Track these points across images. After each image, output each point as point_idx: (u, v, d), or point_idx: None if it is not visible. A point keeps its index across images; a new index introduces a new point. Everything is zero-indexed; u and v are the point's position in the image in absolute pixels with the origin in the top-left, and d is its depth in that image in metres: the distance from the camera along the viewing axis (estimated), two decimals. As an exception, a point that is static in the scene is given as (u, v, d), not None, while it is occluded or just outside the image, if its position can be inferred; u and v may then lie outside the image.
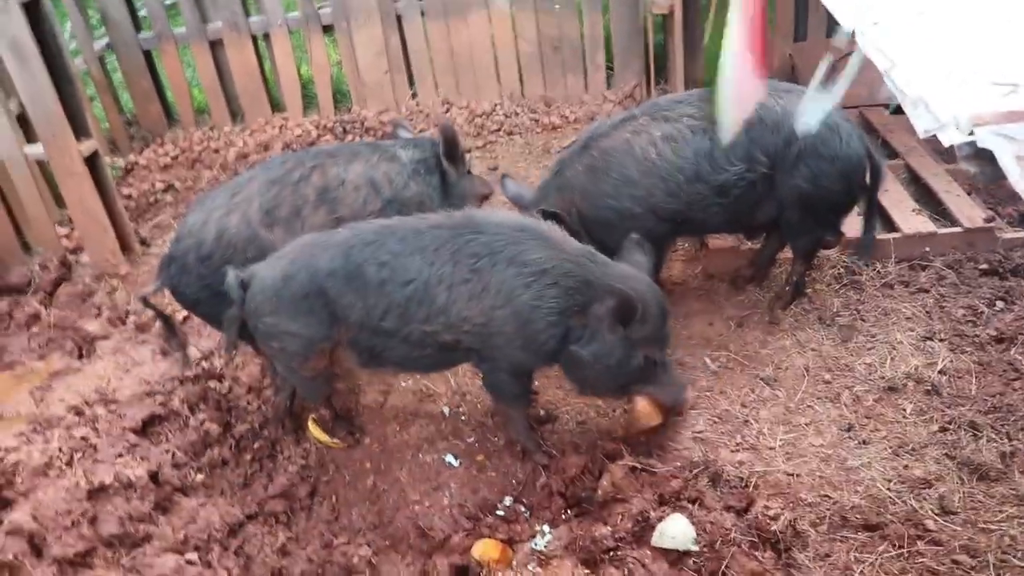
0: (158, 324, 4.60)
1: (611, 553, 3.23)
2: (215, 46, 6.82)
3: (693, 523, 3.21)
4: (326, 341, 3.46)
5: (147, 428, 3.96)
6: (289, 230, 3.71)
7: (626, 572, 3.15)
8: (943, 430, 3.53)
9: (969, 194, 4.75)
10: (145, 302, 3.90)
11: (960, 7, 2.26)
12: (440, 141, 4.07)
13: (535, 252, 3.26)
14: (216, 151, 6.82)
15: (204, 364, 4.43)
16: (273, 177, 3.85)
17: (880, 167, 3.97)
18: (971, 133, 1.59)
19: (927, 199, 4.88)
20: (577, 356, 3.35)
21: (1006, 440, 3.42)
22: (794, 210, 3.93)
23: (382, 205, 3.87)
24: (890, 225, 4.64)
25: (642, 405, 3.60)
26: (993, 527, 3.09)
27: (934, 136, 1.72)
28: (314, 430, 3.98)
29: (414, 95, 7.01)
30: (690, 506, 3.31)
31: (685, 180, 3.80)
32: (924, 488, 3.28)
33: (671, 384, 3.49)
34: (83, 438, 3.79)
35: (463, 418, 4.04)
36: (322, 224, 3.71)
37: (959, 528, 3.10)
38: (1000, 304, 4.12)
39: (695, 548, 3.15)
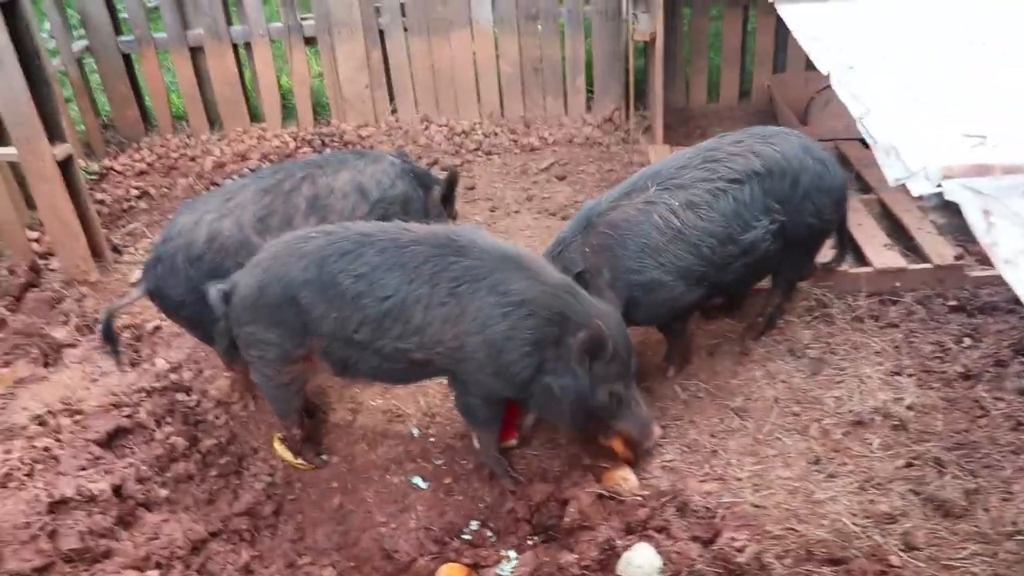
0: (125, 334, 4.58)
1: (576, 581, 3.22)
2: (195, 53, 6.81)
3: (659, 552, 3.21)
4: (300, 349, 3.46)
5: (112, 440, 3.88)
6: None
7: (591, 600, 3.15)
8: (909, 465, 3.55)
9: (941, 234, 4.81)
10: (108, 315, 3.88)
11: (936, 57, 2.29)
12: (444, 182, 4.25)
13: (515, 282, 3.26)
14: (192, 159, 6.78)
15: (172, 376, 4.38)
16: (265, 186, 3.90)
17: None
18: (939, 185, 1.61)
19: (899, 234, 4.93)
20: (546, 388, 3.36)
21: (970, 477, 3.44)
22: (795, 247, 3.96)
23: (369, 208, 3.95)
24: (862, 259, 4.68)
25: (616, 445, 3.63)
26: (956, 564, 3.11)
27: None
28: (280, 449, 3.94)
29: (394, 111, 7.01)
30: (657, 535, 3.30)
31: (718, 243, 3.72)
32: (889, 523, 3.30)
33: (639, 420, 3.51)
34: (45, 449, 3.71)
35: (432, 440, 4.01)
36: None
37: (923, 564, 3.11)
38: (967, 341, 4.16)
39: (661, 578, 3.15)
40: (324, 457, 3.95)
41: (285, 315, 3.38)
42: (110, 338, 3.98)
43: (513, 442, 3.90)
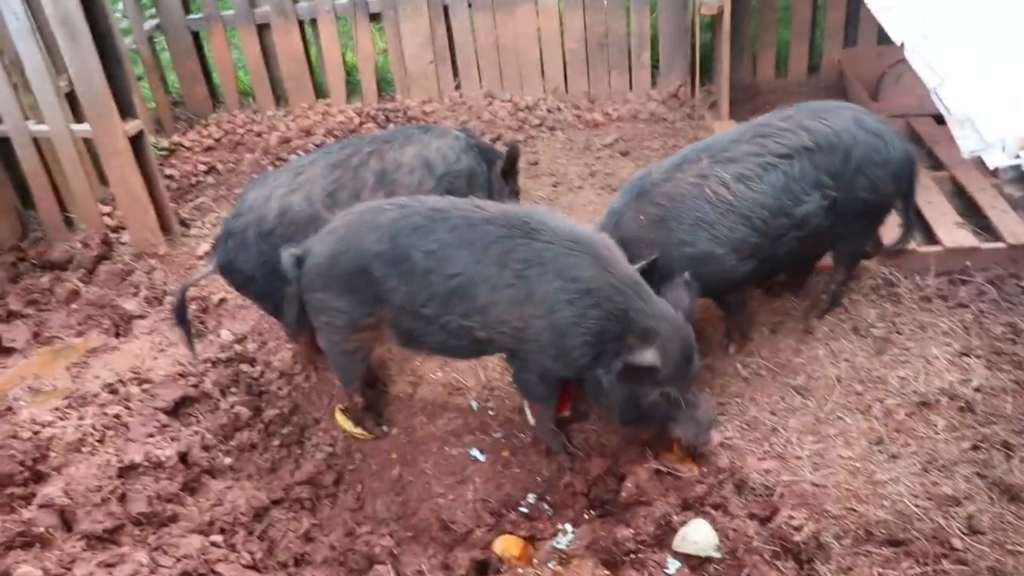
0: (192, 306, 4.68)
1: (632, 555, 3.22)
2: (262, 30, 6.89)
3: (716, 529, 3.19)
4: (369, 318, 3.51)
5: (178, 409, 4.00)
6: None
7: (646, 575, 3.14)
8: (975, 448, 3.46)
9: (1015, 210, 4.65)
10: (182, 291, 3.95)
11: (1014, 25, 2.20)
12: (504, 156, 4.27)
13: (585, 269, 3.24)
14: (259, 135, 6.88)
15: (237, 347, 4.48)
16: (334, 161, 3.97)
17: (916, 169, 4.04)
18: (1018, 155, 1.54)
19: (971, 213, 4.79)
20: (598, 380, 3.37)
21: (1040, 462, 3.35)
22: (850, 222, 3.89)
23: (435, 182, 4.00)
24: (932, 238, 4.57)
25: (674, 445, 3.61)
26: (1022, 550, 3.03)
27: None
28: (341, 420, 4.01)
29: (457, 87, 7.02)
30: (713, 512, 3.29)
31: (770, 215, 3.69)
32: (952, 506, 3.22)
33: (693, 423, 3.44)
34: (116, 416, 3.84)
35: (491, 413, 4.04)
36: None
37: (987, 549, 3.04)
38: (1042, 323, 4.03)
39: (717, 555, 3.13)
40: (384, 428, 4.01)
41: (358, 284, 3.43)
42: (183, 317, 4.02)
43: (565, 414, 3.91)
